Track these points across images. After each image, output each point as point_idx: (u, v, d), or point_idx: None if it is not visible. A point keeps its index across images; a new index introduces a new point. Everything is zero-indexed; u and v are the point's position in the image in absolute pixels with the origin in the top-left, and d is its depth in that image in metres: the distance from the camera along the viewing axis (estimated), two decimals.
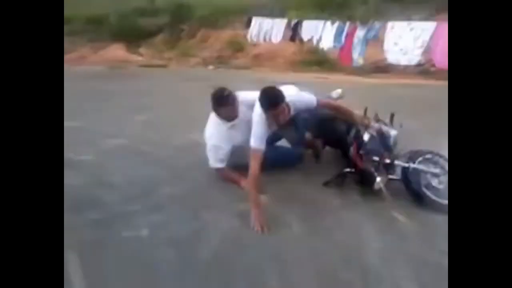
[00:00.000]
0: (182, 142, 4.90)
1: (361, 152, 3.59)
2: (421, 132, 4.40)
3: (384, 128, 3.97)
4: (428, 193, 3.47)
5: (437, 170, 3.61)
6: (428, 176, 3.58)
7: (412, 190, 3.53)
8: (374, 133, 3.75)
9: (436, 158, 3.78)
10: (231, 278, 2.51)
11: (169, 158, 4.43)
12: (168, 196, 3.58)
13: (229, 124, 3.78)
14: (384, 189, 3.46)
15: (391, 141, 3.88)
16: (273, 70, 12.68)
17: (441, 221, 3.27)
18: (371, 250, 2.87)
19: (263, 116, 3.41)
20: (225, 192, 3.68)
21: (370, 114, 4.35)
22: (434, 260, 2.78)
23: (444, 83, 10.04)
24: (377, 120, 4.20)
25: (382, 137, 3.80)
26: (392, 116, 4.11)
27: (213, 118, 3.84)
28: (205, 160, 3.97)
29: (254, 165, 3.32)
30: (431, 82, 10.42)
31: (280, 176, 3.94)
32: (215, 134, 3.79)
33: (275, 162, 3.90)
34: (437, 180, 3.57)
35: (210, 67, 13.46)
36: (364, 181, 3.57)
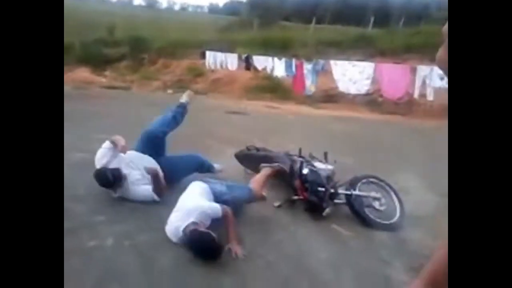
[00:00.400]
0: None
1: (306, 185, 4.09)
2: (359, 169, 4.87)
3: (318, 163, 4.51)
4: (370, 215, 4.02)
5: (378, 195, 4.17)
6: (370, 199, 4.14)
7: (356, 213, 4.05)
8: (313, 168, 4.29)
9: (375, 180, 4.36)
10: (189, 285, 2.79)
11: None
12: (129, 208, 3.81)
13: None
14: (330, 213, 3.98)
15: (329, 173, 4.38)
16: (229, 97, 13.16)
17: (384, 235, 3.83)
18: (318, 260, 3.28)
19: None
20: None
21: (306, 152, 4.86)
22: (375, 268, 3.26)
23: (386, 118, 10.98)
24: (312, 157, 4.72)
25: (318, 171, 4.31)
26: (325, 154, 4.65)
27: None
28: None
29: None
30: (376, 116, 11.26)
31: None
32: None
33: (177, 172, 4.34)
34: (378, 203, 4.13)
35: (169, 91, 13.77)
36: (313, 210, 4.05)
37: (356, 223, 4.01)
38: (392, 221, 4.02)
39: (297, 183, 4.13)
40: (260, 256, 3.23)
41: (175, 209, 3.43)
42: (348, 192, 4.10)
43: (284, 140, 6.73)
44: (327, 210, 3.96)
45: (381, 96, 11.28)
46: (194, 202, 3.41)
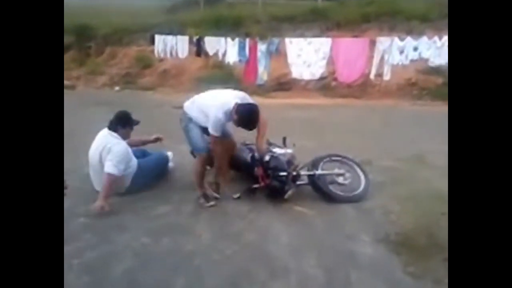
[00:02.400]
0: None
1: (268, 172, 4.26)
2: (320, 150, 5.03)
3: (277, 149, 4.66)
4: (334, 190, 4.31)
5: (341, 170, 4.47)
6: (333, 176, 4.42)
7: (319, 191, 4.33)
8: (273, 154, 4.45)
9: (337, 158, 4.66)
10: None
11: (80, 185, 4.48)
12: (82, 225, 3.78)
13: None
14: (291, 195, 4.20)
15: (289, 157, 4.52)
16: (178, 90, 13.01)
17: (349, 208, 4.10)
18: (279, 246, 3.42)
19: (226, 119, 4.06)
20: (136, 212, 4.06)
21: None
22: (339, 245, 3.44)
23: (340, 101, 11.29)
24: (269, 144, 4.88)
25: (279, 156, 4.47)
26: (284, 139, 4.77)
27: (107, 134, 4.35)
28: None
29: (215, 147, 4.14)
30: (329, 100, 11.45)
31: (187, 193, 4.44)
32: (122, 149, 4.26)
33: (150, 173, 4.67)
34: (342, 178, 4.43)
35: (117, 88, 13.68)
36: (275, 195, 4.26)
37: (320, 201, 4.27)
38: (356, 192, 4.35)
39: (259, 171, 4.28)
40: (218, 251, 3.35)
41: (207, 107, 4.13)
42: (311, 173, 4.35)
43: (238, 131, 6.94)
44: (289, 193, 4.16)
45: (335, 79, 11.60)
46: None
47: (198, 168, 4.27)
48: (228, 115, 4.01)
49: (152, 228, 3.75)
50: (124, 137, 4.36)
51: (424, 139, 6.81)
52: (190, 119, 4.23)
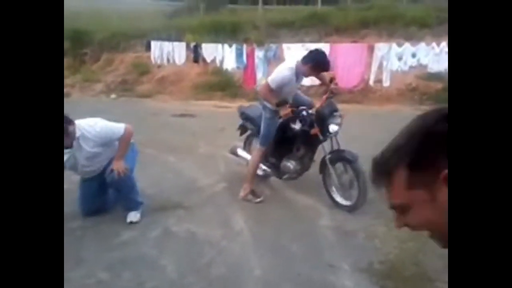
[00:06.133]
0: None
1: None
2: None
3: None
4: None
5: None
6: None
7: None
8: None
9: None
10: None
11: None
12: None
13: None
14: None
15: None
16: (177, 98, 12.82)
17: (327, 234, 3.74)
18: (252, 280, 3.06)
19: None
20: (95, 243, 3.65)
21: None
22: (317, 277, 3.07)
23: (343, 107, 10.82)
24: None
25: None
26: None
27: None
28: (72, 212, 4.00)
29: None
30: None
31: (156, 215, 4.10)
32: None
33: None
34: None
35: (113, 96, 13.46)
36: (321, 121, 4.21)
37: (300, 224, 3.97)
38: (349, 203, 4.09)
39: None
40: (182, 285, 3.01)
41: None
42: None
43: (234, 141, 6.61)
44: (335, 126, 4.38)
45: (336, 84, 11.31)
46: None
47: (257, 161, 4.43)
48: (293, 71, 4.09)
49: (111, 262, 3.34)
50: None
51: None
52: (275, 112, 4.21)
